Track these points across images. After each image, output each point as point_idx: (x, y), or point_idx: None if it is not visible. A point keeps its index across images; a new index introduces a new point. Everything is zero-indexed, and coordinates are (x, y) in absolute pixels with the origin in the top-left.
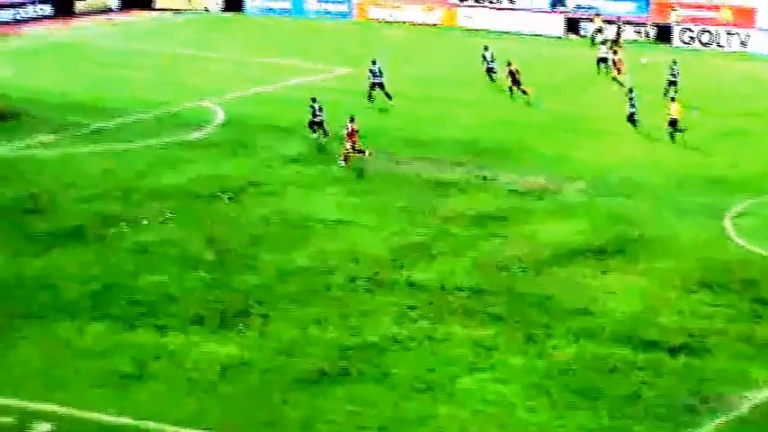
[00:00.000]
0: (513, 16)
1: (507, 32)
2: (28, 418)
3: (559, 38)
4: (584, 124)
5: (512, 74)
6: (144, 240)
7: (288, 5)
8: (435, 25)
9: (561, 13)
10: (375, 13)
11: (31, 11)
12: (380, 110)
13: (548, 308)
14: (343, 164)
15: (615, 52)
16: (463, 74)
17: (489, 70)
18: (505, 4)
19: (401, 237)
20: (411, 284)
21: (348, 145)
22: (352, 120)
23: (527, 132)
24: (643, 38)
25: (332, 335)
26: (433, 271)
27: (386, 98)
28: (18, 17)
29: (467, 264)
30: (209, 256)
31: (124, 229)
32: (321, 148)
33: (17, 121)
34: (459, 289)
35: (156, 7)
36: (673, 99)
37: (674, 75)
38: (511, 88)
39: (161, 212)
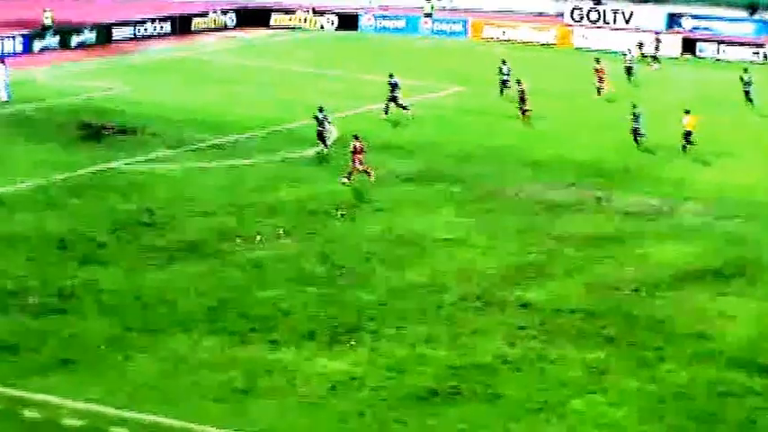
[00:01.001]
0: (628, 36)
1: (623, 52)
2: (143, 430)
3: (676, 58)
4: (701, 146)
5: (521, 92)
6: (258, 256)
7: (402, 24)
8: (549, 44)
9: (677, 33)
10: (489, 32)
11: (150, 28)
12: (495, 130)
13: (661, 331)
14: (345, 181)
15: (597, 61)
16: (578, 94)
17: (503, 83)
18: (621, 24)
19: (514, 257)
20: (523, 305)
21: (352, 163)
22: (356, 138)
23: (642, 153)
24: (760, 59)
25: (443, 353)
26: (545, 292)
27: (402, 110)
28: (138, 34)
29: (579, 285)
30: (322, 272)
31: (239, 245)
32: (323, 160)
33: (136, 137)
34: (572, 311)
35: (273, 25)
36: (687, 112)
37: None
38: (521, 109)
39: (275, 228)
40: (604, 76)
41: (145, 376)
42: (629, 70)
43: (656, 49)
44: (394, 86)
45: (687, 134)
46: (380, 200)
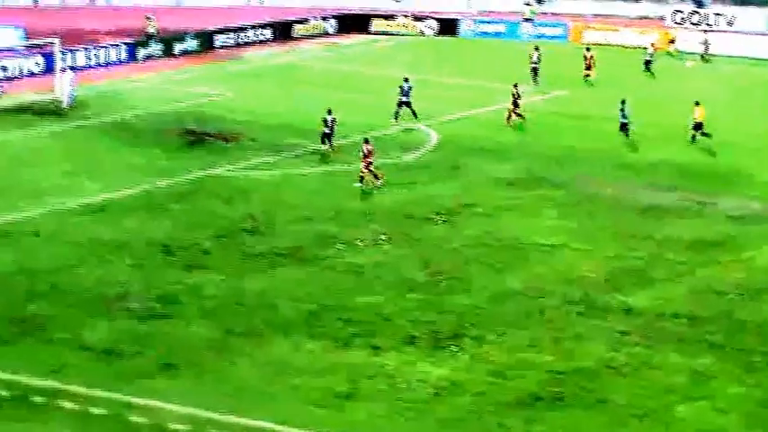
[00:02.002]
0: (730, 39)
1: (728, 56)
2: None
3: None
4: None
5: (514, 96)
6: (359, 261)
7: (502, 29)
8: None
9: None
10: (590, 36)
11: (251, 35)
12: (596, 133)
13: None
14: (359, 185)
15: (588, 49)
16: (675, 97)
17: (534, 70)
18: (723, 27)
19: (616, 261)
20: (626, 309)
21: (362, 166)
22: (366, 141)
23: (745, 157)
24: None
25: (545, 358)
26: (648, 296)
27: (412, 116)
28: (240, 41)
29: (683, 289)
30: (423, 277)
31: (340, 250)
32: (324, 159)
33: (237, 143)
34: (676, 315)
35: (372, 31)
36: (697, 103)
37: None
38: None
39: (376, 234)
40: (592, 63)
41: (247, 380)
42: (647, 64)
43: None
44: (407, 91)
45: (697, 125)
46: (480, 204)
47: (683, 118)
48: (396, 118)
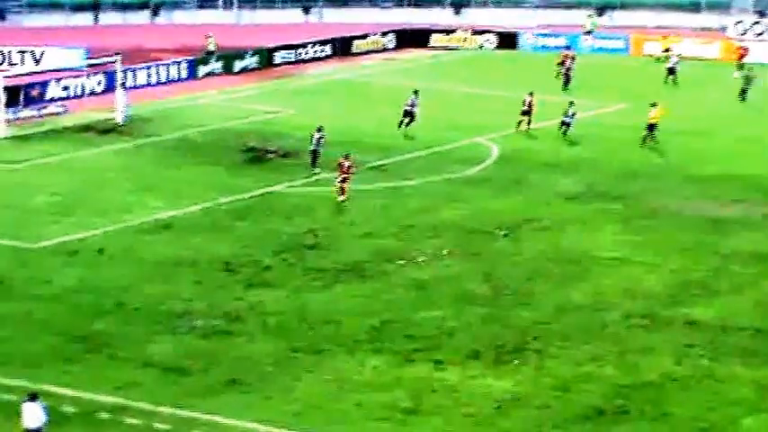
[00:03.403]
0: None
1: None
2: None
3: None
4: None
5: (527, 105)
6: (421, 276)
7: (563, 42)
8: (714, 59)
9: None
10: (651, 47)
11: (311, 51)
12: (658, 146)
13: None
14: (342, 198)
15: (568, 47)
16: (738, 108)
17: (566, 76)
18: None
19: (680, 274)
20: (690, 322)
21: (339, 180)
22: (346, 157)
23: None
24: None
25: (608, 372)
26: (712, 309)
27: (403, 126)
28: (299, 58)
29: (748, 302)
30: (486, 291)
31: (402, 265)
32: (313, 178)
33: (299, 160)
34: (741, 328)
35: (432, 45)
36: (654, 104)
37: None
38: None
39: (438, 249)
40: (572, 65)
41: (311, 396)
42: (671, 71)
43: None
44: (413, 103)
45: (650, 126)
46: (543, 218)
47: (745, 128)
48: (399, 126)
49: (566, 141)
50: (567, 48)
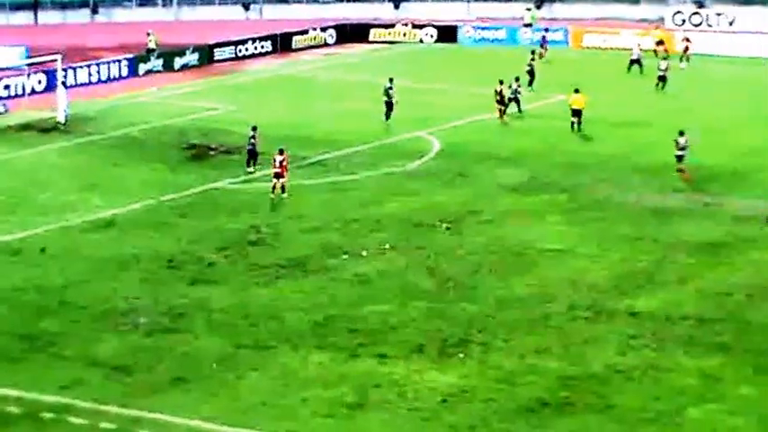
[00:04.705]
0: (732, 39)
1: (727, 56)
2: None
3: None
4: None
5: (499, 93)
6: (365, 271)
7: (502, 35)
8: (651, 50)
9: None
10: (590, 40)
11: (251, 47)
12: (592, 137)
13: None
14: (283, 195)
15: (544, 36)
16: (682, 98)
17: (530, 74)
18: (725, 27)
19: (623, 265)
20: (634, 313)
21: (272, 176)
22: (280, 152)
23: (751, 157)
24: None
25: (553, 364)
26: (656, 299)
27: (384, 118)
28: (241, 54)
29: (691, 292)
30: (430, 285)
31: (345, 260)
32: (250, 180)
33: (241, 156)
34: (684, 318)
35: (372, 40)
36: (577, 90)
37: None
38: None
39: (381, 243)
40: (544, 52)
41: (256, 393)
42: (637, 63)
43: (686, 49)
44: (388, 93)
45: (575, 112)
46: (486, 211)
47: (687, 117)
48: (387, 118)
49: (509, 133)
50: (543, 42)
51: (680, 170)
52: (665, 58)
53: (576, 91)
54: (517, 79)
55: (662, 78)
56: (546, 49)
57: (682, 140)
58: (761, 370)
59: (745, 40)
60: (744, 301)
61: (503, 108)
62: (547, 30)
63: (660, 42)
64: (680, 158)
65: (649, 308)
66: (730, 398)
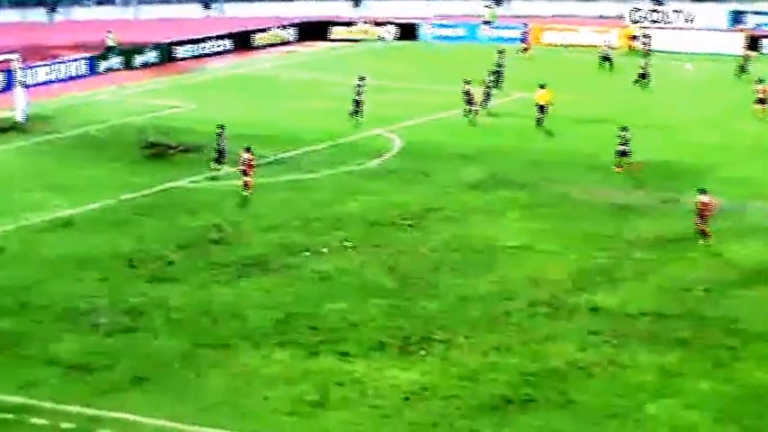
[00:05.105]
0: (690, 36)
1: (686, 52)
2: None
3: (739, 56)
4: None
5: (466, 93)
6: (326, 268)
7: (462, 32)
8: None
9: (741, 30)
10: (549, 37)
11: (211, 46)
12: (554, 134)
13: (734, 331)
14: (249, 192)
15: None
16: (641, 96)
17: (497, 74)
18: (682, 24)
19: (582, 262)
20: (593, 309)
21: (242, 173)
22: (247, 150)
23: (707, 153)
24: None
25: (514, 361)
26: (615, 296)
27: (353, 115)
28: (201, 52)
29: (650, 288)
30: (390, 282)
31: (306, 258)
32: (216, 178)
33: (201, 154)
34: (643, 313)
35: (333, 38)
36: (542, 86)
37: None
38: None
39: (342, 241)
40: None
41: (217, 391)
42: (606, 60)
43: (645, 45)
44: (361, 88)
45: (541, 108)
46: (447, 208)
47: (646, 115)
48: (356, 114)
49: (470, 131)
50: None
51: (620, 165)
52: (645, 55)
53: (542, 86)
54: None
55: (642, 76)
56: (529, 45)
57: (624, 135)
58: (718, 365)
59: (703, 37)
60: (702, 296)
61: (472, 108)
62: (526, 25)
63: (634, 38)
64: (623, 154)
65: (609, 304)
66: (689, 393)
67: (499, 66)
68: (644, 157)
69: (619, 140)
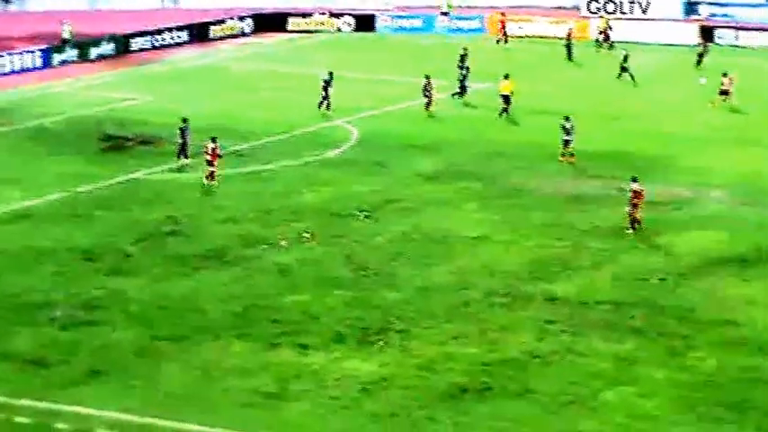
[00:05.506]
0: (645, 26)
1: (641, 43)
2: None
3: (693, 46)
4: (729, 133)
5: (425, 87)
6: (284, 260)
7: (419, 23)
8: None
9: (695, 21)
10: (507, 27)
11: (168, 37)
12: (512, 125)
13: (689, 319)
14: (211, 183)
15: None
16: (597, 86)
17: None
18: (638, 15)
19: (539, 251)
20: (550, 299)
21: (207, 163)
22: (213, 140)
23: (665, 143)
24: None
25: (472, 350)
26: (572, 285)
27: (324, 107)
28: (156, 44)
29: (606, 277)
30: (349, 274)
31: (264, 250)
32: (182, 170)
33: (158, 146)
34: (599, 302)
35: (290, 29)
36: (506, 76)
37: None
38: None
39: (300, 232)
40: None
41: (176, 384)
42: (567, 49)
43: (606, 36)
44: (328, 82)
45: (505, 98)
46: (404, 199)
47: (602, 105)
48: (326, 108)
49: (427, 122)
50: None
51: (564, 155)
52: (610, 47)
53: (506, 77)
54: (466, 68)
55: (624, 69)
56: (506, 35)
57: (567, 125)
58: (673, 353)
59: (659, 27)
60: (657, 285)
61: (430, 100)
62: (504, 14)
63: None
64: (566, 143)
65: (565, 293)
66: (644, 380)
67: (463, 58)
68: (595, 147)
69: (562, 131)
